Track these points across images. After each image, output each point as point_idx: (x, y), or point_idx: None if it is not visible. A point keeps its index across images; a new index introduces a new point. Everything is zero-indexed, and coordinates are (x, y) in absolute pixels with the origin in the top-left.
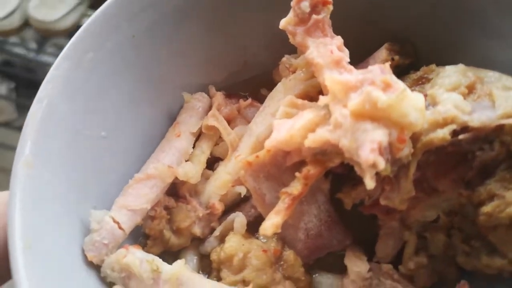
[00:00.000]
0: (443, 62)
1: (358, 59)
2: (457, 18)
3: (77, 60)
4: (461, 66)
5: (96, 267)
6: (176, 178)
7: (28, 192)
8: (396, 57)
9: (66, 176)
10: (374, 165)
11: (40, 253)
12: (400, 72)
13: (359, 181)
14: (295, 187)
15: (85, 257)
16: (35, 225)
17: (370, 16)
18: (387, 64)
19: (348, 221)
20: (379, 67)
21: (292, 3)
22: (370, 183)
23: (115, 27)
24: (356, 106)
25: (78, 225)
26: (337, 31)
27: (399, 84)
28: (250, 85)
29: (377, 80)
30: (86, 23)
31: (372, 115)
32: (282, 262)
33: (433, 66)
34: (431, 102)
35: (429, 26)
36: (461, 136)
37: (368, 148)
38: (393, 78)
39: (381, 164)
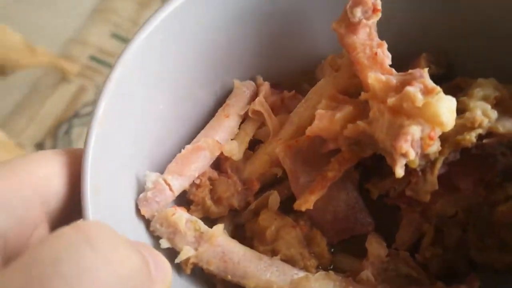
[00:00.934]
0: (475, 75)
1: (397, 65)
2: (489, 36)
3: (153, 39)
4: (492, 80)
5: (146, 222)
6: (222, 153)
7: (99, 148)
8: (433, 66)
9: (130, 139)
10: (405, 155)
11: (104, 200)
12: (434, 81)
13: (387, 174)
14: (330, 171)
15: (138, 211)
16: (101, 177)
17: (410, 30)
18: (426, 69)
19: (372, 210)
20: (419, 71)
21: (346, 7)
22: (399, 171)
23: (193, 14)
24: (395, 102)
25: (135, 183)
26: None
27: (437, 88)
28: (293, 80)
29: (416, 82)
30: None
31: (408, 112)
32: (309, 240)
33: (467, 78)
34: (462, 109)
35: (463, 42)
36: (485, 140)
37: (402, 140)
38: (430, 81)
39: (412, 154)
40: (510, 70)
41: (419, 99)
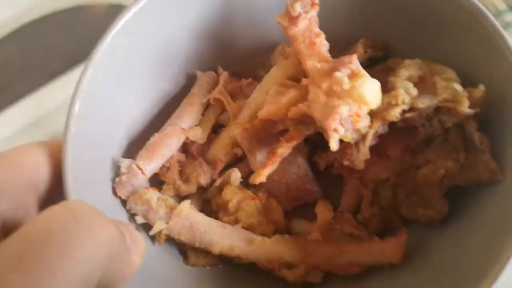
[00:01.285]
0: (409, 56)
1: (339, 51)
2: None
3: (119, 41)
4: (417, 61)
5: (122, 201)
6: (187, 138)
7: (76, 141)
8: (369, 50)
9: (104, 131)
10: (335, 131)
11: (84, 184)
12: (373, 62)
13: (329, 147)
14: (279, 148)
15: (115, 192)
16: (80, 165)
17: (352, 21)
18: (354, 55)
19: (320, 179)
20: (348, 57)
21: (287, 3)
22: (333, 145)
23: (154, 15)
24: (327, 86)
25: (111, 169)
26: (322, 28)
27: (361, 72)
28: (250, 67)
29: (344, 67)
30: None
31: (338, 94)
32: (266, 209)
33: (397, 59)
34: (390, 87)
35: (394, 27)
36: (408, 115)
37: (331, 118)
38: (357, 66)
39: (341, 130)
40: (431, 50)
41: (346, 82)
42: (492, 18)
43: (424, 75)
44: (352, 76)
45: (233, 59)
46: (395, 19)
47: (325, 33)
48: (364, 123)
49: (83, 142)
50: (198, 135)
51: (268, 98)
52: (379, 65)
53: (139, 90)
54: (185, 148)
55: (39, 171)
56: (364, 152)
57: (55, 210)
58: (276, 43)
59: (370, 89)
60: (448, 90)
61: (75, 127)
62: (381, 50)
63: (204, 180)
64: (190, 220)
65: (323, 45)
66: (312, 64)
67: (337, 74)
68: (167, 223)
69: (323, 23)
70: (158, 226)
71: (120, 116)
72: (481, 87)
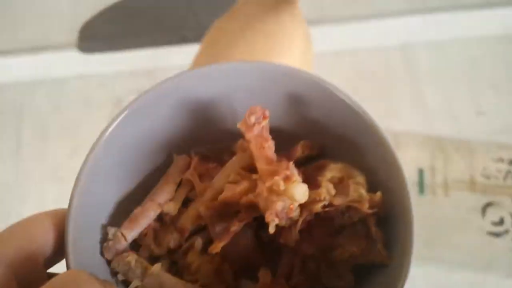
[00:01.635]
0: (339, 158)
1: (285, 147)
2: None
3: (112, 142)
4: (339, 165)
5: (108, 262)
6: (162, 211)
7: (77, 214)
8: (307, 150)
9: (99, 206)
10: (272, 220)
11: (81, 248)
12: (309, 160)
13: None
14: (232, 226)
15: (103, 254)
16: (78, 233)
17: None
18: (291, 163)
19: (264, 250)
20: (285, 163)
21: (245, 115)
22: (271, 230)
23: (140, 118)
24: (269, 186)
25: (100, 235)
26: (272, 130)
27: (294, 177)
28: (219, 153)
29: (282, 172)
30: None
31: (276, 193)
32: (220, 271)
33: (326, 161)
34: (318, 185)
35: (330, 140)
36: (327, 208)
37: (268, 212)
38: (291, 172)
39: (275, 221)
40: (353, 158)
41: (281, 185)
42: (388, 141)
43: (342, 177)
44: (287, 180)
45: (204, 145)
46: (327, 131)
47: (274, 132)
48: (295, 213)
49: (81, 213)
50: (171, 208)
51: (226, 185)
52: (314, 162)
53: (129, 175)
54: (160, 217)
55: (47, 239)
56: (295, 234)
57: (60, 278)
58: (240, 135)
59: (299, 191)
60: (356, 193)
61: (77, 201)
62: (317, 150)
63: (173, 245)
64: (160, 279)
65: (270, 149)
66: (260, 165)
67: (276, 178)
68: (142, 281)
69: (273, 126)
70: (135, 283)
71: (111, 193)
72: (379, 194)
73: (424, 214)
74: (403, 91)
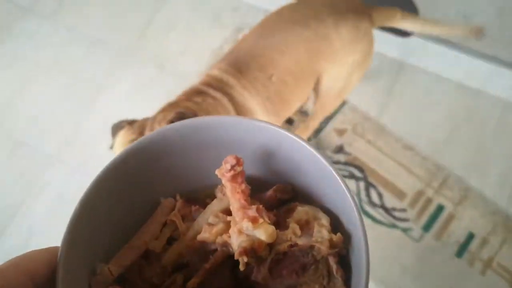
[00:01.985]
0: (309, 202)
1: (260, 190)
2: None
3: (98, 193)
4: (306, 208)
5: None
6: (148, 248)
7: (68, 251)
8: (279, 194)
9: (88, 246)
10: (242, 259)
11: (72, 281)
12: (282, 203)
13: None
14: (208, 264)
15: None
16: (69, 268)
17: (271, 178)
18: (261, 206)
19: (239, 285)
20: (256, 208)
21: (223, 163)
22: (241, 267)
23: (127, 167)
24: (238, 228)
25: (89, 270)
26: (247, 175)
27: (262, 219)
28: (201, 196)
29: (251, 216)
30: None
31: (245, 233)
32: None
33: (296, 204)
34: (286, 226)
35: (301, 186)
36: (292, 248)
37: (238, 251)
38: (260, 214)
39: (244, 259)
40: (321, 200)
41: (250, 226)
42: (345, 189)
43: (308, 219)
44: (255, 222)
45: (188, 189)
46: (297, 176)
47: (251, 178)
48: (264, 252)
49: (72, 250)
50: (156, 246)
51: (204, 227)
52: (286, 205)
53: (117, 219)
54: (146, 254)
55: (41, 273)
56: (264, 271)
57: None
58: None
59: (266, 232)
60: (319, 234)
61: (68, 241)
62: (289, 193)
63: (156, 280)
64: None
65: (243, 193)
66: (233, 208)
67: (245, 220)
68: None
69: (251, 172)
70: None
71: (101, 233)
72: (339, 235)
73: (450, 275)
74: None
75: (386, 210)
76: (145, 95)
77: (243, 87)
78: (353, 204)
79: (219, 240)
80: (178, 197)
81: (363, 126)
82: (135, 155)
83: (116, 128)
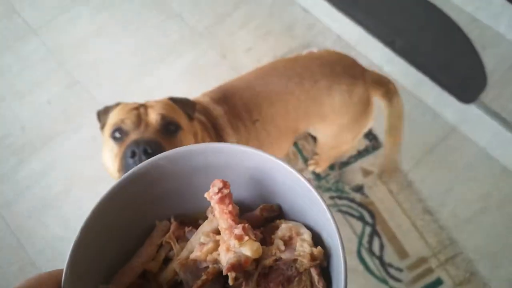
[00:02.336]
0: (292, 217)
1: (247, 210)
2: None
3: (96, 219)
4: (289, 224)
5: None
6: (145, 269)
7: (71, 275)
8: (266, 213)
9: (89, 265)
10: (230, 274)
11: None
12: (269, 221)
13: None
14: (202, 279)
15: None
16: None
17: (258, 198)
18: (246, 225)
19: None
20: (242, 227)
21: (211, 186)
22: (230, 282)
23: (123, 192)
24: (226, 246)
25: None
26: (235, 196)
27: (246, 238)
28: (194, 218)
29: (237, 234)
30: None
31: (232, 250)
32: None
33: (281, 221)
34: (271, 242)
35: (285, 204)
36: (277, 262)
37: (226, 267)
38: (245, 232)
39: (232, 274)
40: (304, 217)
41: (236, 244)
42: (325, 207)
43: (291, 235)
44: (240, 239)
45: (181, 211)
46: (283, 196)
47: (240, 199)
48: (251, 267)
49: (75, 274)
50: (152, 266)
51: (196, 245)
52: (272, 222)
53: (116, 243)
54: (144, 274)
55: None
56: (252, 285)
57: None
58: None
59: (251, 248)
60: (301, 248)
61: (71, 263)
62: (275, 211)
63: None
64: None
65: (232, 214)
66: (221, 227)
67: (232, 238)
68: None
69: (239, 194)
70: None
71: (102, 255)
72: (319, 248)
73: None
74: None
75: (383, 263)
76: (198, 76)
77: (228, 121)
78: (331, 220)
79: (209, 258)
80: (172, 219)
81: (391, 176)
82: (131, 183)
83: (103, 112)
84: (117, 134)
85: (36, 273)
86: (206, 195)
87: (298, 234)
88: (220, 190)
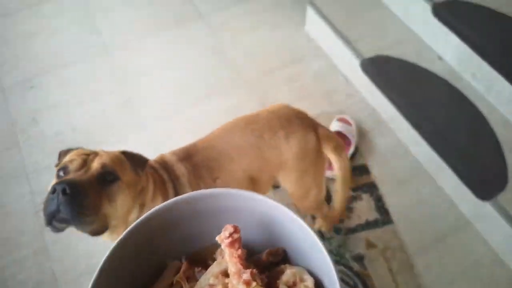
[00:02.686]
0: (298, 261)
1: (254, 253)
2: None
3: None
4: (294, 268)
5: None
6: None
7: None
8: (271, 257)
9: None
10: None
11: None
12: (274, 265)
13: None
14: None
15: None
16: None
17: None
18: (254, 270)
19: None
20: (250, 272)
21: (223, 229)
22: None
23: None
24: (235, 286)
25: None
26: (244, 240)
27: (256, 282)
28: (203, 258)
29: (245, 279)
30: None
31: None
32: None
33: (286, 265)
34: (277, 286)
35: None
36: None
37: None
38: (253, 279)
39: None
40: (305, 262)
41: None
42: (326, 253)
43: (295, 281)
44: (247, 284)
45: (192, 250)
46: (288, 241)
47: (248, 242)
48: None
49: None
50: None
51: (205, 287)
52: (277, 266)
53: (133, 278)
54: None
55: None
56: None
57: None
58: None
59: None
60: None
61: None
62: (280, 255)
63: None
64: None
65: (241, 258)
66: (230, 270)
67: (240, 284)
68: None
69: (248, 237)
70: None
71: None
72: None
73: None
74: None
75: None
76: (207, 86)
77: (188, 181)
78: (333, 269)
79: None
80: (183, 259)
81: (394, 255)
82: (147, 224)
83: (64, 153)
84: (61, 173)
85: None
86: (217, 238)
87: (302, 280)
88: (231, 234)
